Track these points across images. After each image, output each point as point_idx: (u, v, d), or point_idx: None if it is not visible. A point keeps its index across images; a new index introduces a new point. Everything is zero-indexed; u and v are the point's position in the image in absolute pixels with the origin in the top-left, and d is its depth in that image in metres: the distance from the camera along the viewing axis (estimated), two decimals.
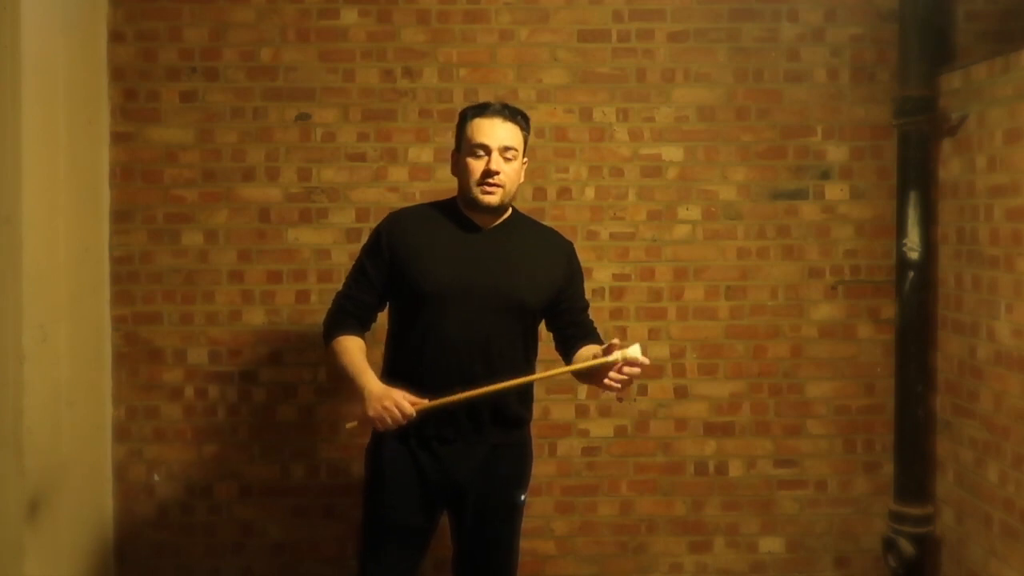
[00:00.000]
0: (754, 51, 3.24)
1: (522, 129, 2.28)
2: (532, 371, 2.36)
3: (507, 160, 2.23)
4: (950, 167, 3.06)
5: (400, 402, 2.15)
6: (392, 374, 2.29)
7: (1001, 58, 2.75)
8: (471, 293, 2.23)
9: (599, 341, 2.38)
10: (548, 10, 3.22)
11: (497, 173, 2.20)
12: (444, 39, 3.22)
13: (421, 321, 2.25)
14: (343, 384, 2.36)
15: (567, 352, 2.41)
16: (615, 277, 3.25)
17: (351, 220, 3.21)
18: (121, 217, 3.21)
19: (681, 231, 3.26)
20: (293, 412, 3.24)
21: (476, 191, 2.22)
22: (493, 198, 2.22)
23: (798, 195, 3.26)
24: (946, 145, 3.08)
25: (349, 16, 3.21)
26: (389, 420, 2.16)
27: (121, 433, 3.23)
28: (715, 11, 3.23)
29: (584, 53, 3.23)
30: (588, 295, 3.20)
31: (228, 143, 3.22)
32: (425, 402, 2.18)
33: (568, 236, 3.22)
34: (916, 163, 3.11)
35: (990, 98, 2.81)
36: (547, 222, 3.21)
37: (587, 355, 2.29)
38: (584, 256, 3.23)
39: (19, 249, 2.63)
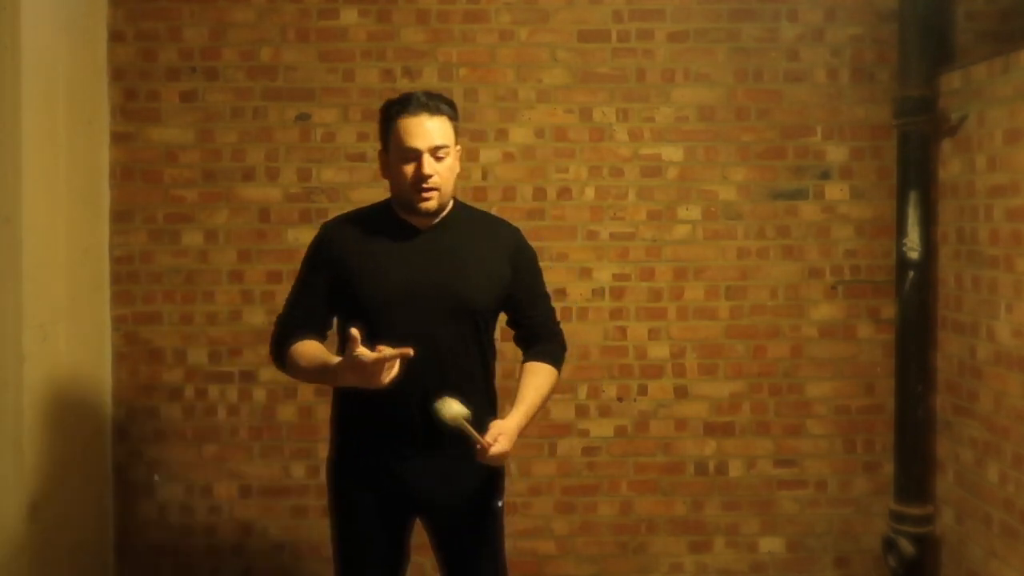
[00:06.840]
0: (754, 51, 3.24)
1: (450, 119, 2.12)
2: (490, 376, 2.25)
3: (439, 159, 2.08)
4: (950, 167, 3.06)
5: (361, 361, 1.91)
6: (345, 389, 2.15)
7: (1001, 58, 2.75)
8: (415, 298, 2.10)
9: (551, 341, 2.29)
10: (548, 10, 3.22)
11: (431, 176, 2.07)
12: (444, 39, 3.22)
13: (368, 332, 2.00)
14: (325, 385, 2.25)
15: (524, 351, 2.30)
16: (615, 277, 3.25)
17: None
18: (121, 217, 3.21)
19: (681, 231, 3.26)
20: (293, 412, 3.24)
21: (414, 198, 2.09)
22: (432, 203, 2.10)
23: (798, 195, 3.26)
24: (946, 145, 3.08)
25: (349, 16, 3.21)
26: (374, 378, 1.94)
27: (121, 433, 3.23)
28: (715, 11, 3.23)
29: (584, 53, 3.23)
30: (588, 295, 3.25)
31: (228, 143, 3.22)
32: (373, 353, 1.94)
33: (568, 236, 3.27)
34: (916, 163, 3.11)
35: (990, 98, 2.81)
36: (547, 222, 3.26)
37: (524, 387, 2.19)
38: (584, 256, 3.25)
39: (19, 249, 2.63)
